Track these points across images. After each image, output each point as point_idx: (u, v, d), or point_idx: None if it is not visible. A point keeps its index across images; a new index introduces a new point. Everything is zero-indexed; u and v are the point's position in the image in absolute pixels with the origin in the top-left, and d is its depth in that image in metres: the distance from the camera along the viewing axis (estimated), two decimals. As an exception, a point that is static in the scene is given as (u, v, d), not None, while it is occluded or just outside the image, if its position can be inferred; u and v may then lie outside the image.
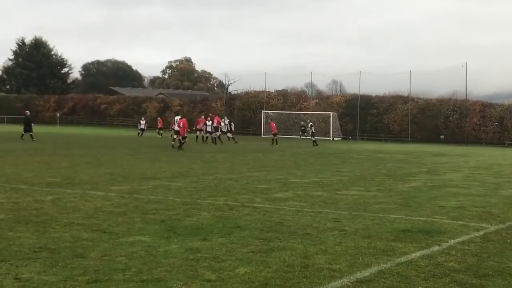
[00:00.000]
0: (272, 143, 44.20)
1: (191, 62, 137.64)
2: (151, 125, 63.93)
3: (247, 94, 77.70)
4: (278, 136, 46.24)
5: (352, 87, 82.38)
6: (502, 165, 28.02)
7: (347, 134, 67.30)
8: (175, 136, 35.45)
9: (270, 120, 52.34)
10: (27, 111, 43.54)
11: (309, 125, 48.00)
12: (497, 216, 11.73)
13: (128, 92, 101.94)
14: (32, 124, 40.04)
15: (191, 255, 7.65)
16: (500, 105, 65.31)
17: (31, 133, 38.91)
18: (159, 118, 60.32)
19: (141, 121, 56.36)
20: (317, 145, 44.23)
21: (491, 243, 9.02)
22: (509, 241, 9.23)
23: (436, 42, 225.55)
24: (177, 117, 38.33)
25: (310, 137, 46.23)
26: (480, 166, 26.95)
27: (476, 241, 9.18)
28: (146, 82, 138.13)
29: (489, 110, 63.27)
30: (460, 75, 65.18)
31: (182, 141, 33.58)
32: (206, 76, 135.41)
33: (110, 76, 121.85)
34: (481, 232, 9.90)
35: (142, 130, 54.29)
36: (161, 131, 54.81)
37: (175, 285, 6.34)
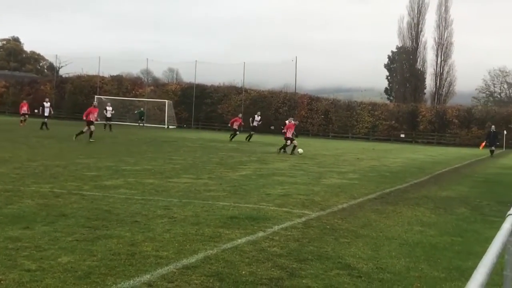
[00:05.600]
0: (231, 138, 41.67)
1: (19, 42, 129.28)
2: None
3: (79, 78, 74.87)
4: (113, 123, 45.06)
5: (188, 76, 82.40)
6: (325, 156, 29.77)
7: (182, 122, 67.48)
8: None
9: (239, 116, 46.07)
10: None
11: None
12: (319, 204, 12.44)
13: None
14: None
15: (11, 244, 7.25)
16: (326, 99, 69.25)
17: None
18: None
19: None
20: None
21: (312, 229, 9.55)
22: (328, 227, 9.83)
23: (270, 36, 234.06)
24: (287, 121, 32.94)
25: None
26: (306, 156, 28.35)
27: (298, 227, 9.66)
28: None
29: (316, 104, 66.85)
30: (291, 69, 68.07)
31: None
32: (35, 58, 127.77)
33: None
34: (303, 219, 10.44)
35: None
36: (26, 117, 43.45)
37: (-10, 276, 5.97)
